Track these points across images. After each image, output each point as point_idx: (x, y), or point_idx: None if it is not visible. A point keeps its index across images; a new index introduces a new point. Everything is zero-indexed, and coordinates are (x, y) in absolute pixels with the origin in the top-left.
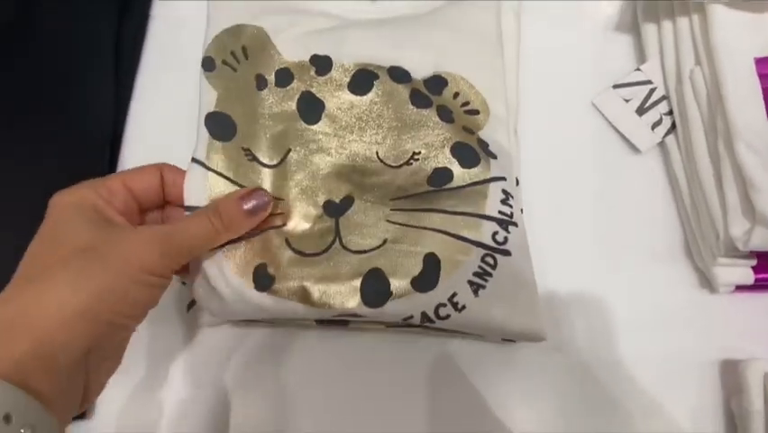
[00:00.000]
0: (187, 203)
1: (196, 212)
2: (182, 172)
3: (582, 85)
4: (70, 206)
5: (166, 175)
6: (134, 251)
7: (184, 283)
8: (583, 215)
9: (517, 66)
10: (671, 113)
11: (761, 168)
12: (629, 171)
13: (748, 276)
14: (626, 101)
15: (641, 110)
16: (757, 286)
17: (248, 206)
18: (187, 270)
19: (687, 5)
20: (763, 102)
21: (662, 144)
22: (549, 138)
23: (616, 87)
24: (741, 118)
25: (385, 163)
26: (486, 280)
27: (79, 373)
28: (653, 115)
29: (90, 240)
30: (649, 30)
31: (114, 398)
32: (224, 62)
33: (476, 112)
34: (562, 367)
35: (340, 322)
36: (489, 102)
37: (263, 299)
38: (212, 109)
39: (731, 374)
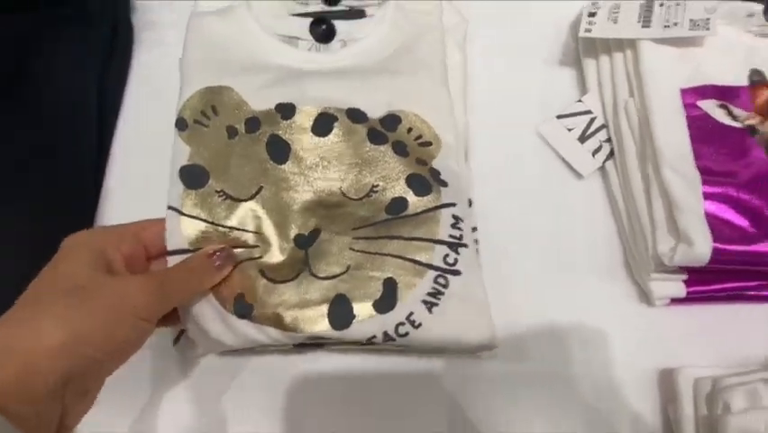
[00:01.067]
0: (169, 248)
1: (177, 265)
2: None
3: (530, 115)
4: (77, 246)
5: None
6: (127, 295)
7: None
8: (531, 235)
9: (464, 96)
10: (609, 140)
11: (684, 189)
12: (573, 195)
13: (680, 290)
14: (569, 130)
15: (582, 138)
16: (690, 299)
17: (217, 262)
18: (171, 320)
19: (621, 42)
20: (687, 129)
21: (602, 169)
22: (499, 164)
23: (559, 117)
24: (666, 144)
25: (347, 197)
26: (438, 299)
27: (57, 403)
28: (593, 143)
29: (85, 281)
30: (589, 64)
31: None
32: (196, 121)
33: (429, 144)
34: (517, 378)
35: (315, 345)
36: (440, 133)
37: (245, 326)
38: (185, 163)
39: (667, 382)
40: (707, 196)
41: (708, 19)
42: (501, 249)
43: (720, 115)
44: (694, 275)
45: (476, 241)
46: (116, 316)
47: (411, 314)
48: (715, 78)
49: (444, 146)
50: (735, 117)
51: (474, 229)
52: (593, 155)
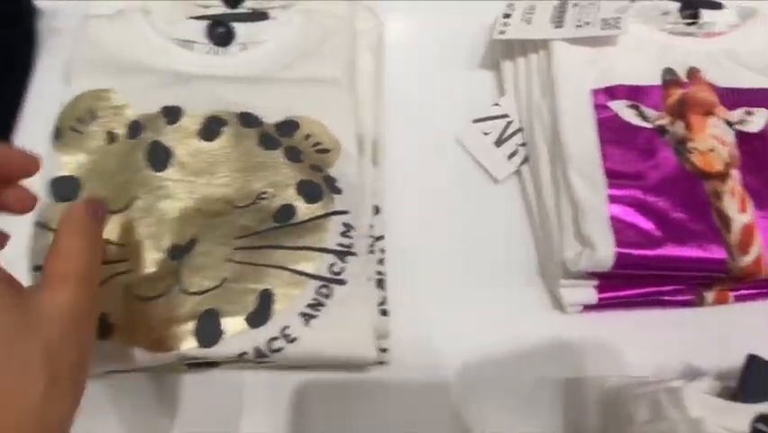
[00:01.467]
0: (34, 264)
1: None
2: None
3: (449, 119)
4: None
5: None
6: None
7: None
8: (447, 242)
9: (378, 102)
10: (525, 144)
11: (589, 192)
12: (491, 200)
13: (592, 296)
14: (486, 134)
15: (499, 142)
16: (603, 305)
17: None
18: None
19: (536, 43)
20: (596, 131)
21: (518, 173)
22: (415, 170)
23: (476, 121)
24: (575, 146)
25: (233, 204)
26: (318, 310)
27: None
28: (509, 147)
29: None
30: (507, 66)
31: None
32: (71, 128)
33: (326, 150)
34: (429, 388)
35: (208, 364)
36: (341, 140)
37: (105, 346)
38: (56, 175)
39: (576, 391)
40: (612, 199)
41: (619, 18)
42: (415, 256)
43: (630, 116)
44: (605, 281)
45: (382, 250)
46: None
47: (286, 328)
48: (627, 78)
49: (344, 153)
50: (645, 117)
51: (379, 238)
52: (509, 159)
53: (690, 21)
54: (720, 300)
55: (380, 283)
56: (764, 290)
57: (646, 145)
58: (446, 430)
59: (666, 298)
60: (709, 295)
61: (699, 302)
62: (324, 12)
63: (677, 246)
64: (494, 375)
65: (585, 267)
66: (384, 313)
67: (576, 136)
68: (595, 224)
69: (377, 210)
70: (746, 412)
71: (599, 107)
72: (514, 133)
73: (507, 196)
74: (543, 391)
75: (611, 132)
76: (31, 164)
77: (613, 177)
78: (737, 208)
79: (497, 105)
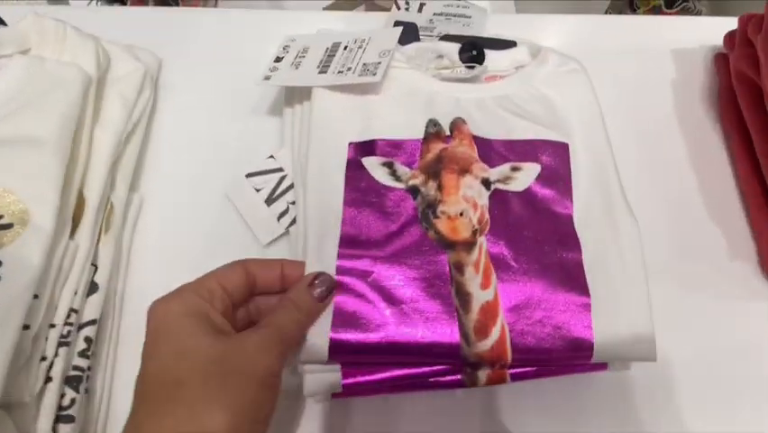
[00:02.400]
0: None
1: (280, 308)
2: (267, 265)
3: (223, 174)
4: (178, 315)
5: (250, 270)
6: (259, 357)
7: None
8: None
9: (133, 159)
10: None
11: (316, 265)
12: None
13: (336, 383)
14: (257, 190)
15: (270, 200)
16: (351, 393)
17: (317, 292)
18: None
19: (309, 90)
20: (342, 192)
21: (288, 235)
22: (179, 229)
23: (249, 175)
24: (316, 207)
25: None
26: None
27: None
28: (280, 205)
29: (215, 352)
30: (287, 114)
31: None
32: None
33: (8, 226)
34: None
35: None
36: (32, 212)
37: None
38: None
39: None
40: (340, 271)
41: (379, 63)
42: None
43: (381, 175)
44: (348, 367)
45: (87, 339)
46: (261, 382)
47: None
48: (389, 131)
49: (32, 228)
50: (397, 177)
51: (89, 323)
52: (278, 219)
53: (470, 64)
54: (496, 380)
55: (73, 382)
56: (544, 370)
57: (393, 210)
58: None
59: (431, 380)
60: (482, 374)
61: (470, 383)
62: (57, 61)
63: (403, 330)
64: None
65: (300, 358)
66: (68, 420)
67: (321, 196)
68: None
69: (94, 287)
70: None
71: (352, 164)
72: (287, 190)
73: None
74: None
75: (358, 192)
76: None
77: (347, 245)
78: (480, 284)
79: (271, 157)
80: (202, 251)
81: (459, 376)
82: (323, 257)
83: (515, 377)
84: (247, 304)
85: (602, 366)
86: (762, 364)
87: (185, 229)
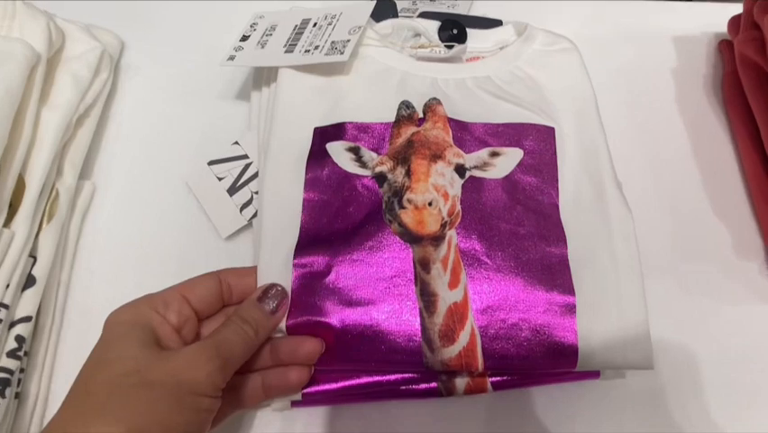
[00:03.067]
0: None
1: (226, 322)
2: (243, 273)
3: (185, 162)
4: (123, 324)
5: (224, 280)
6: (183, 372)
7: None
8: None
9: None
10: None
11: (273, 260)
12: (217, 258)
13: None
14: (220, 179)
15: (232, 189)
16: (313, 401)
17: (268, 306)
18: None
19: (276, 70)
20: (303, 180)
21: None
22: (134, 220)
23: (211, 163)
24: (275, 196)
25: None
26: None
27: None
28: (244, 195)
29: (138, 364)
30: (254, 98)
31: None
32: None
33: None
34: None
35: None
36: None
37: None
38: None
39: None
40: (297, 268)
41: (348, 41)
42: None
43: (346, 162)
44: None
45: (19, 338)
46: (176, 400)
47: None
48: (357, 114)
49: None
50: (364, 164)
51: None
52: (241, 211)
53: (450, 43)
54: (475, 389)
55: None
56: (529, 379)
57: (356, 200)
58: None
59: (403, 388)
60: (461, 382)
61: (446, 392)
62: (5, 36)
63: (361, 335)
64: None
65: None
66: None
67: (280, 186)
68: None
69: (32, 281)
70: None
71: (315, 150)
72: (251, 178)
73: (237, 255)
74: None
75: (319, 181)
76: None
77: (305, 241)
78: (447, 283)
79: (236, 143)
80: (158, 244)
81: (435, 384)
82: (278, 254)
83: (497, 386)
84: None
85: (594, 374)
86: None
87: (140, 220)
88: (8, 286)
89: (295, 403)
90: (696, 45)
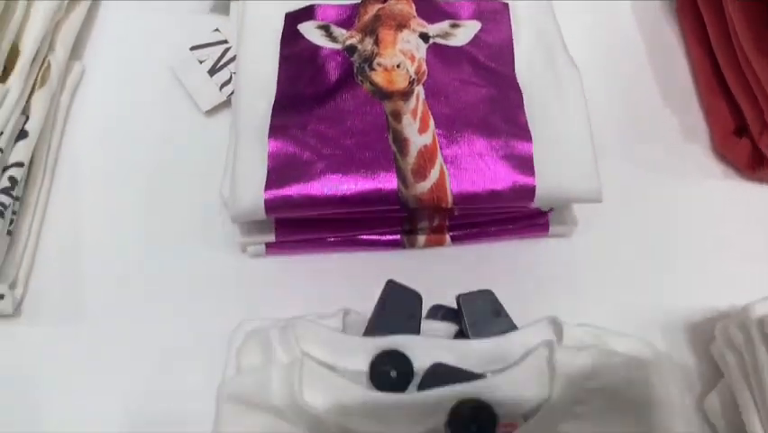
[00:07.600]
0: None
1: None
2: None
3: (167, 49)
4: None
5: None
6: None
7: None
8: (143, 183)
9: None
10: None
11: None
12: (199, 137)
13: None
14: (201, 62)
15: (213, 70)
16: (284, 248)
17: None
18: None
19: None
20: (277, 55)
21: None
22: (120, 100)
23: (193, 48)
24: (252, 75)
25: None
26: None
27: None
28: (223, 75)
29: None
30: None
31: None
32: None
33: None
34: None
35: None
36: None
37: None
38: None
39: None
40: (274, 130)
41: None
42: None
43: (317, 38)
44: (282, 222)
45: (11, 178)
46: None
47: None
48: None
49: None
50: (334, 39)
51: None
52: (221, 89)
53: None
54: (434, 242)
55: None
56: (484, 231)
57: (328, 68)
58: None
59: (367, 238)
60: (421, 237)
61: (408, 244)
62: None
63: (340, 178)
64: (181, 321)
65: (235, 216)
66: None
67: (255, 64)
68: (246, 163)
69: (24, 134)
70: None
71: (287, 32)
72: (231, 60)
73: (217, 133)
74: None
75: (292, 56)
76: None
77: (281, 104)
78: (417, 129)
79: (217, 30)
80: (142, 121)
81: (398, 237)
82: (256, 116)
83: (455, 239)
84: None
85: (544, 228)
86: (709, 238)
87: (126, 100)
88: (2, 134)
89: (269, 248)
90: None
